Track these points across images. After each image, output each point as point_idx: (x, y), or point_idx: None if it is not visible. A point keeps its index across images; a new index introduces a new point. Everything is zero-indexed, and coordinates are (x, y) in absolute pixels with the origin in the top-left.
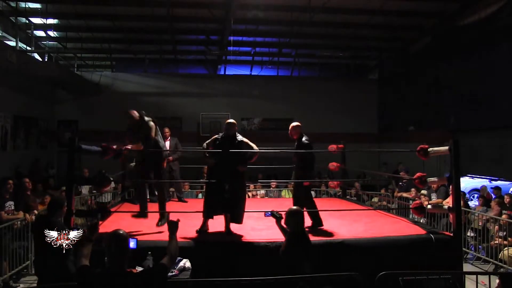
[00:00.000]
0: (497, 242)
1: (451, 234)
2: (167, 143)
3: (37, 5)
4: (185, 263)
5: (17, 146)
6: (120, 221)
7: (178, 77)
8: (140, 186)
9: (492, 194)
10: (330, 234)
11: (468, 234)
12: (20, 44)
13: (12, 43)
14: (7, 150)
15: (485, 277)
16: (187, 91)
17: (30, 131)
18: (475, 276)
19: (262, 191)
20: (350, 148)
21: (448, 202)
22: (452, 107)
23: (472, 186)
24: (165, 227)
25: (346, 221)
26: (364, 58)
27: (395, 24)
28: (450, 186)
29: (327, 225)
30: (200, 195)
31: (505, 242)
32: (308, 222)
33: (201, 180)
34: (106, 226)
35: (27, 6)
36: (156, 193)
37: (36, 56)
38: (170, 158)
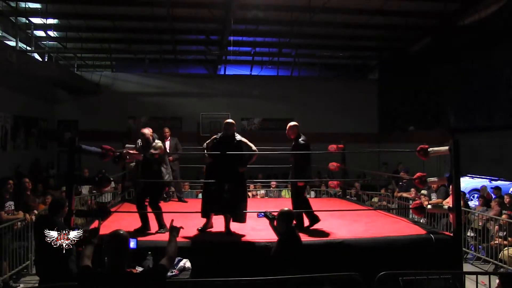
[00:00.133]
0: (497, 242)
1: (451, 234)
2: (167, 143)
3: (37, 5)
4: (185, 263)
5: (17, 146)
6: (120, 221)
7: (178, 77)
8: (140, 206)
9: (492, 194)
10: (330, 234)
11: (468, 234)
12: (20, 44)
13: (12, 43)
14: (7, 150)
15: (485, 277)
16: (187, 91)
17: (30, 131)
18: (475, 276)
19: (262, 191)
20: (350, 148)
21: (448, 202)
22: (452, 107)
23: (472, 186)
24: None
25: (346, 221)
26: (364, 58)
27: (395, 24)
28: (450, 186)
29: (327, 225)
30: (200, 195)
31: (505, 242)
32: (306, 222)
33: (201, 180)
34: (106, 226)
35: (27, 6)
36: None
37: (36, 56)
38: (170, 158)
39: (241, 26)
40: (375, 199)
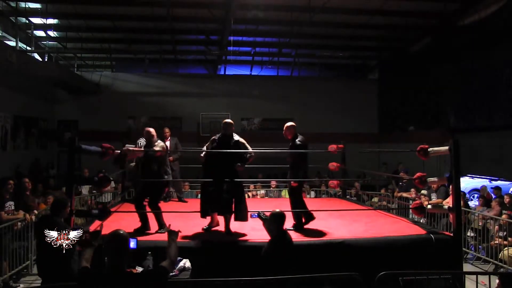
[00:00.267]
0: (497, 242)
1: (451, 234)
2: (167, 143)
3: (37, 5)
4: (185, 263)
5: (17, 146)
6: (120, 221)
7: (178, 77)
8: (138, 206)
9: (492, 194)
10: (330, 234)
11: (468, 234)
12: (20, 44)
13: (12, 43)
14: (7, 150)
15: (485, 277)
16: (187, 91)
17: (30, 131)
18: (475, 276)
19: (262, 191)
20: (350, 148)
21: (448, 202)
22: (452, 107)
23: (472, 186)
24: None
25: (346, 221)
26: (364, 58)
27: (395, 24)
28: (450, 186)
29: (327, 225)
30: (200, 195)
31: (505, 242)
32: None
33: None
34: (106, 226)
35: (27, 6)
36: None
37: (36, 56)
38: (170, 158)
39: (241, 26)
40: (375, 199)
